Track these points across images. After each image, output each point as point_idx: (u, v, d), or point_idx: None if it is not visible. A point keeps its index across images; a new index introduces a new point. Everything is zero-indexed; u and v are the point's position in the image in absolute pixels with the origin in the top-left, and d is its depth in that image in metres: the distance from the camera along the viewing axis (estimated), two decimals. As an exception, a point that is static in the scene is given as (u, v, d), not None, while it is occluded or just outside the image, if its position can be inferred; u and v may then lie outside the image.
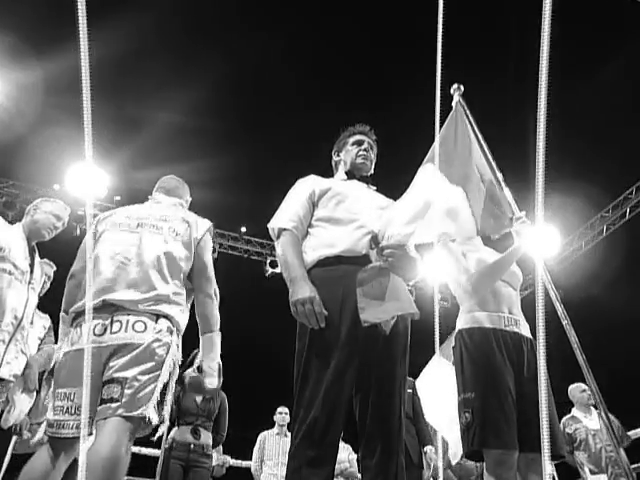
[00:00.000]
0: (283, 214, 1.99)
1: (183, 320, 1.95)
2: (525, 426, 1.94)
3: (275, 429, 5.20)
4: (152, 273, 1.88)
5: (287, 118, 8.01)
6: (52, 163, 6.74)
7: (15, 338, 2.53)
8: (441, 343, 2.77)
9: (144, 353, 1.73)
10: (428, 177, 2.27)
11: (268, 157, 8.40)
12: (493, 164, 2.43)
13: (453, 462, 3.62)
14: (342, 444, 5.00)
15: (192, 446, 3.83)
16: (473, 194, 2.24)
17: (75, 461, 1.78)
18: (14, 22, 5.97)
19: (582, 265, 7.77)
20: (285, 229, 1.93)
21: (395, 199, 2.15)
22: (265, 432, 5.20)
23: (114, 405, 1.64)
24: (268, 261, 7.65)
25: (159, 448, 3.92)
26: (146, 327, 1.77)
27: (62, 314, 1.98)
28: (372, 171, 2.24)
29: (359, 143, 2.22)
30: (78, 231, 6.64)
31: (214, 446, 4.08)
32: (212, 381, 1.93)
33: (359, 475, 4.50)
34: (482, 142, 2.52)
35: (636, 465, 4.54)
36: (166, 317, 1.84)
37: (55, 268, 3.19)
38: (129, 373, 1.69)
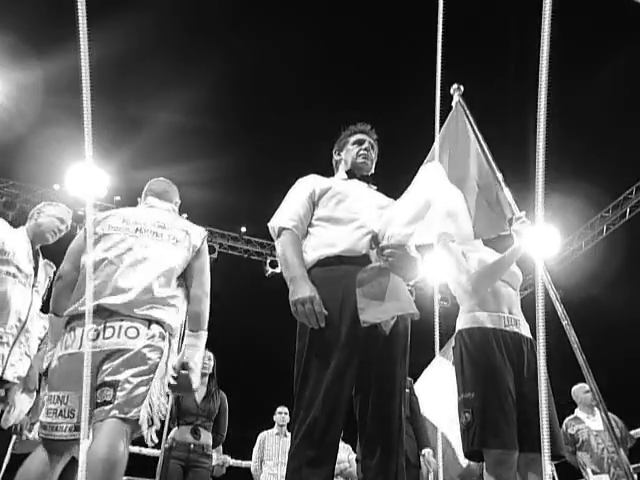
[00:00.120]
0: (283, 213, 1.98)
1: (178, 321, 1.99)
2: (525, 426, 1.94)
3: (275, 429, 5.19)
4: (150, 277, 1.91)
5: (287, 118, 8.01)
6: (52, 163, 6.75)
7: (19, 340, 2.55)
8: (441, 343, 2.75)
9: (135, 357, 1.76)
10: (429, 176, 2.27)
11: (268, 157, 8.40)
12: (493, 164, 2.43)
13: (463, 465, 3.46)
14: (342, 444, 4.99)
15: (192, 446, 3.83)
16: (470, 196, 2.25)
17: (72, 462, 1.80)
18: (14, 22, 5.98)
19: (582, 265, 7.77)
20: (285, 228, 1.92)
21: (395, 199, 2.14)
22: (265, 432, 5.19)
23: (107, 407, 1.68)
24: (268, 261, 7.65)
25: (159, 448, 3.92)
26: (138, 333, 1.81)
27: (51, 315, 1.99)
28: (373, 171, 2.23)
29: (360, 142, 2.20)
30: (78, 231, 6.63)
31: (214, 446, 4.08)
32: (196, 380, 1.94)
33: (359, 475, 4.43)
34: (482, 142, 2.52)
35: (636, 465, 4.54)
36: (158, 322, 1.87)
37: (55, 268, 3.20)
38: (121, 376, 1.72)
